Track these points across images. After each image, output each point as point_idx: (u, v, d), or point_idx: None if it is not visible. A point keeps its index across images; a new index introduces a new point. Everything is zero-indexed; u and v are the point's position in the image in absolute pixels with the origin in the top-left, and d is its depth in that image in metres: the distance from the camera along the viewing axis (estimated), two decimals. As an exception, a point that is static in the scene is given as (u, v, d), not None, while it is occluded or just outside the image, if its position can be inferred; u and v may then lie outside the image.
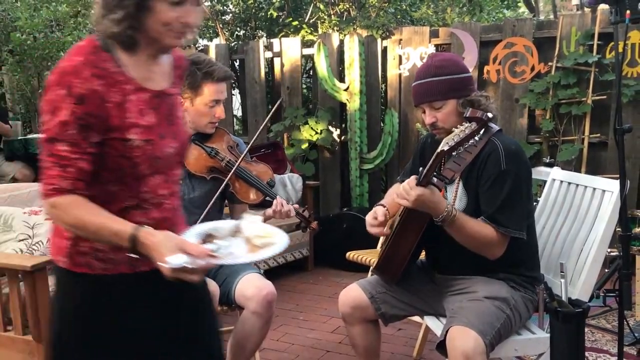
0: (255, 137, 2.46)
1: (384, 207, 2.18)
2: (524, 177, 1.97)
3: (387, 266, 2.11)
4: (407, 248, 2.03)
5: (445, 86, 2.01)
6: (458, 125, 1.84)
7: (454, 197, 2.03)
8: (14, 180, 4.77)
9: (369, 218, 2.14)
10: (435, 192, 1.85)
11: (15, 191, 3.11)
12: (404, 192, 1.86)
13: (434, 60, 2.06)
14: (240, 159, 2.34)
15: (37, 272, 2.38)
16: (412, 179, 1.85)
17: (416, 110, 4.80)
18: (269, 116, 2.55)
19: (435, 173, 1.83)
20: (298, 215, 2.34)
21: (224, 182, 2.31)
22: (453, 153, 1.85)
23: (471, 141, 1.84)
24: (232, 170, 2.31)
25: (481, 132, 1.87)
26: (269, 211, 2.33)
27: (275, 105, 2.66)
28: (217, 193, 2.30)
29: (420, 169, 1.85)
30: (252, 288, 2.23)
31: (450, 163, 1.94)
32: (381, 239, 3.23)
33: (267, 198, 2.35)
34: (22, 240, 2.76)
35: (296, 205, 2.35)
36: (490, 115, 1.83)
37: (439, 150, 1.78)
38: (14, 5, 6.48)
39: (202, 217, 2.34)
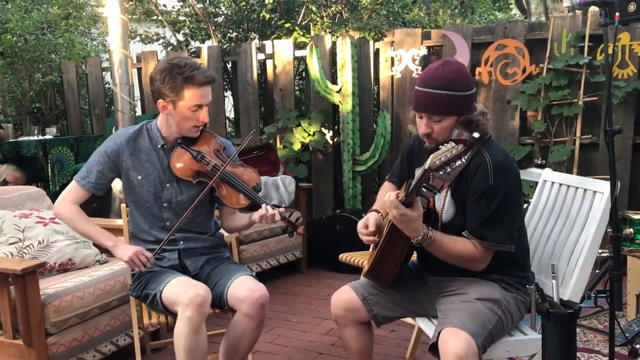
0: (242, 145, 2.44)
1: (378, 212, 2.18)
2: (513, 188, 1.95)
3: (378, 272, 2.10)
4: (398, 254, 2.03)
5: (450, 102, 1.91)
6: (445, 144, 1.77)
7: (442, 206, 2.03)
8: (5, 183, 4.75)
9: (360, 226, 2.13)
10: (413, 218, 1.83)
11: (6, 194, 3.10)
12: (387, 206, 1.85)
13: (446, 71, 1.92)
14: (226, 164, 2.32)
15: (28, 275, 2.37)
16: (394, 196, 1.83)
17: (408, 112, 4.81)
18: (246, 139, 2.49)
19: (424, 184, 1.81)
20: (284, 220, 2.32)
21: (207, 187, 2.30)
22: (440, 172, 1.80)
23: (458, 162, 1.77)
24: (217, 175, 2.30)
25: (467, 154, 1.80)
26: (255, 216, 2.31)
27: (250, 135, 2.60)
28: (200, 197, 2.29)
29: (410, 181, 1.84)
30: (244, 290, 2.22)
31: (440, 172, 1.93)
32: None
33: (254, 202, 2.33)
34: (13, 243, 2.74)
35: (282, 209, 2.31)
36: (476, 136, 1.80)
37: (426, 167, 1.73)
38: (5, 7, 6.44)
39: (188, 220, 2.32)
